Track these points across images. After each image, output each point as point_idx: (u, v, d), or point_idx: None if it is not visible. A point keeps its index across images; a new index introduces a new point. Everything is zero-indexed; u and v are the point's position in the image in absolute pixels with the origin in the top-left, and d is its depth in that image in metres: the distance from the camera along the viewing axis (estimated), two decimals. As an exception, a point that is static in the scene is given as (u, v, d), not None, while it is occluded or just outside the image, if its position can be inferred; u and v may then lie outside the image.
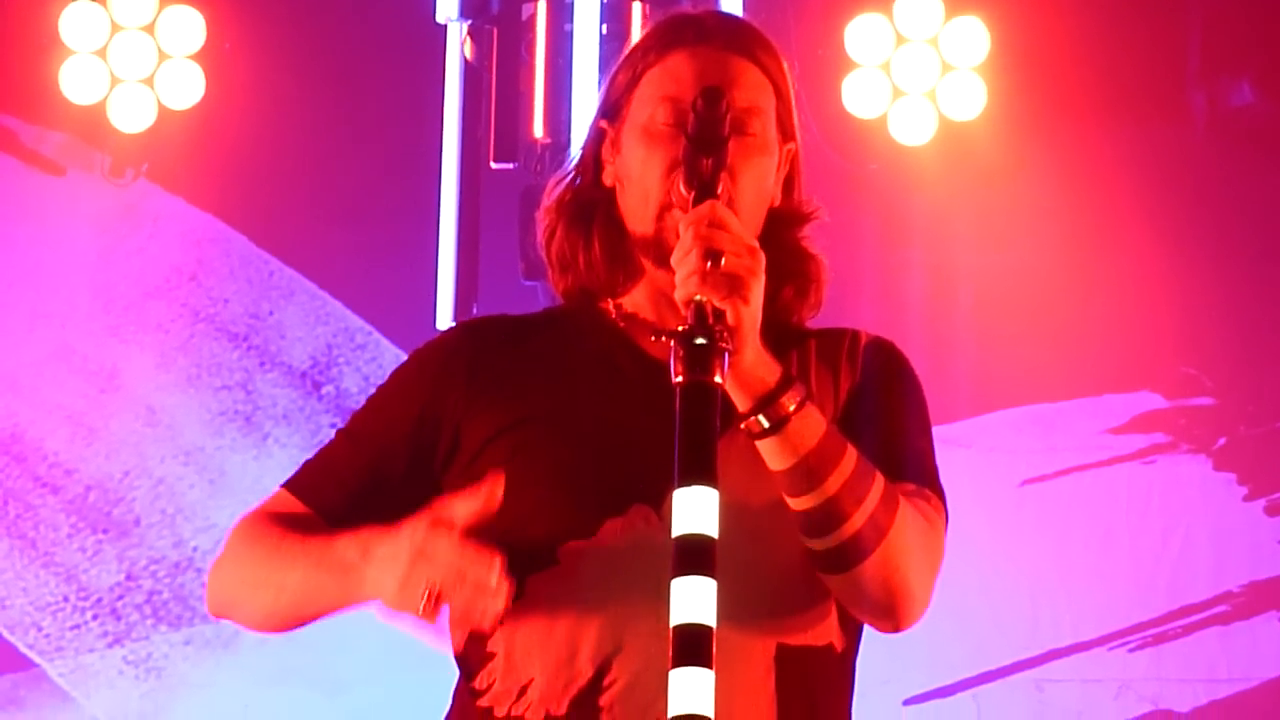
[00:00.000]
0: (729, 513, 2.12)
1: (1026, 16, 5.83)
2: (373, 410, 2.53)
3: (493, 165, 5.64)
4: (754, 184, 2.43)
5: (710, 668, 2.06)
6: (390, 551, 2.31)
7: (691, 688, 2.06)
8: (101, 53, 5.83)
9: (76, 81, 5.82)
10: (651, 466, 2.29)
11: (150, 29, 5.86)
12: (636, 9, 5.57)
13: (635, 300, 2.52)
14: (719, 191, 2.28)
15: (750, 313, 2.20)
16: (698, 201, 2.26)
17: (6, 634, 5.87)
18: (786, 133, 2.50)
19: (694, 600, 2.07)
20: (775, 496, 2.33)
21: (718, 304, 2.18)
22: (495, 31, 5.69)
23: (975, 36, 5.80)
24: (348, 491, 2.46)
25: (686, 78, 2.44)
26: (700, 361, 2.16)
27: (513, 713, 2.38)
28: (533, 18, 5.64)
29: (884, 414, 2.48)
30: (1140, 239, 5.91)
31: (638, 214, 2.45)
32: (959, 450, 5.77)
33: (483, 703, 2.40)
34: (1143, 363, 5.95)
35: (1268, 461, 5.90)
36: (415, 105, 5.83)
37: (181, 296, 6.03)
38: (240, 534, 2.48)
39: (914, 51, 5.82)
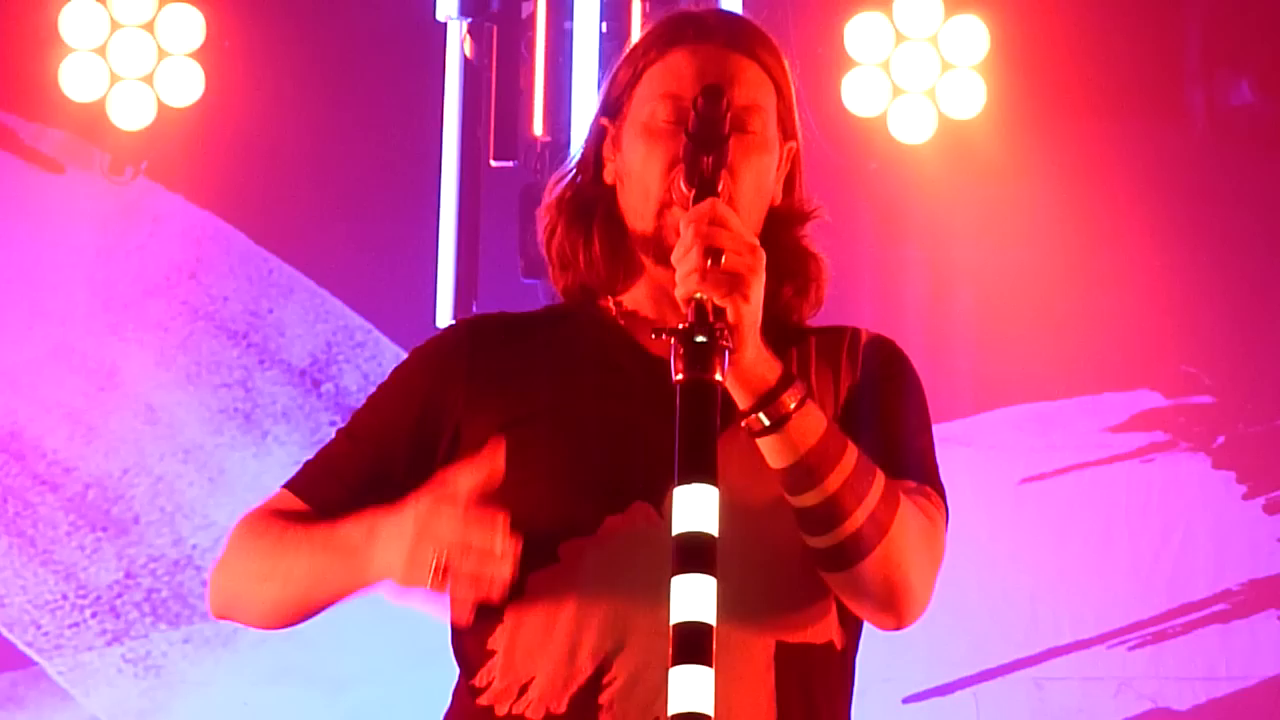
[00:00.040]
0: (729, 510, 2.12)
1: (1026, 15, 5.83)
2: (373, 409, 2.53)
3: (492, 163, 5.64)
4: (754, 182, 2.43)
5: (710, 666, 2.06)
6: (395, 529, 2.31)
7: (692, 686, 2.06)
8: (101, 50, 5.82)
9: (76, 79, 5.82)
10: (652, 464, 2.29)
11: (150, 27, 5.85)
12: (636, 7, 5.56)
13: (635, 298, 2.52)
14: (719, 189, 2.28)
15: (751, 311, 2.20)
16: (698, 199, 2.26)
17: (5, 632, 5.87)
18: (787, 131, 2.51)
19: (694, 598, 2.08)
20: (775, 494, 2.33)
21: (718, 302, 2.18)
22: (495, 29, 5.69)
23: (975, 35, 5.80)
24: (349, 489, 2.46)
25: (687, 75, 2.45)
26: (701, 359, 2.16)
27: (513, 711, 2.38)
28: (532, 15, 5.63)
29: (884, 412, 2.48)
30: (1139, 237, 5.91)
31: (638, 211, 2.46)
32: (958, 448, 5.77)
33: (483, 701, 2.40)
34: (1142, 361, 5.95)
35: (1267, 460, 5.90)
36: (415, 103, 5.82)
37: (181, 294, 6.03)
38: (242, 531, 2.48)
39: (914, 50, 5.82)
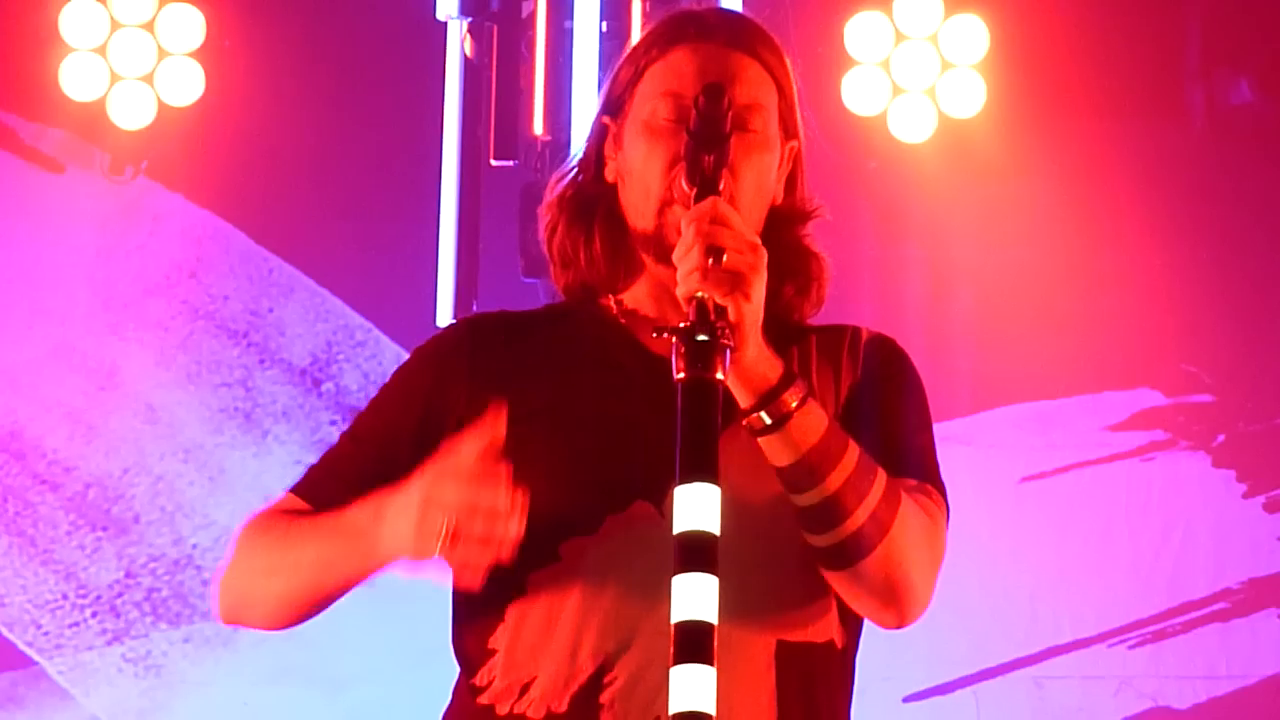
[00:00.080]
0: (730, 509, 2.12)
1: (1026, 14, 5.83)
2: (375, 410, 2.53)
3: (493, 162, 5.64)
4: (755, 181, 2.43)
5: (712, 665, 2.06)
6: (401, 503, 2.30)
7: (693, 685, 2.06)
8: (101, 50, 5.82)
9: (76, 78, 5.82)
10: (653, 463, 2.29)
11: (150, 26, 5.85)
12: (636, 6, 5.57)
13: (636, 296, 2.52)
14: (720, 188, 2.27)
15: (752, 309, 2.20)
16: (699, 198, 2.26)
17: (5, 632, 5.87)
18: (789, 130, 2.51)
19: (695, 597, 2.07)
20: (776, 493, 2.33)
21: (719, 300, 2.18)
22: (495, 29, 5.69)
23: (975, 34, 5.80)
24: (353, 491, 2.46)
25: (688, 74, 2.45)
26: (702, 358, 2.15)
27: (514, 710, 2.38)
28: (533, 15, 5.64)
29: (885, 410, 2.48)
30: (1139, 236, 5.91)
31: (639, 209, 2.45)
32: (959, 447, 5.77)
33: (483, 700, 2.40)
34: (1142, 360, 5.96)
35: (1267, 458, 5.90)
36: (415, 102, 5.82)
37: (181, 294, 6.03)
38: (246, 532, 2.47)
39: (913, 49, 5.82)
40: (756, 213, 2.44)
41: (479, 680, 2.42)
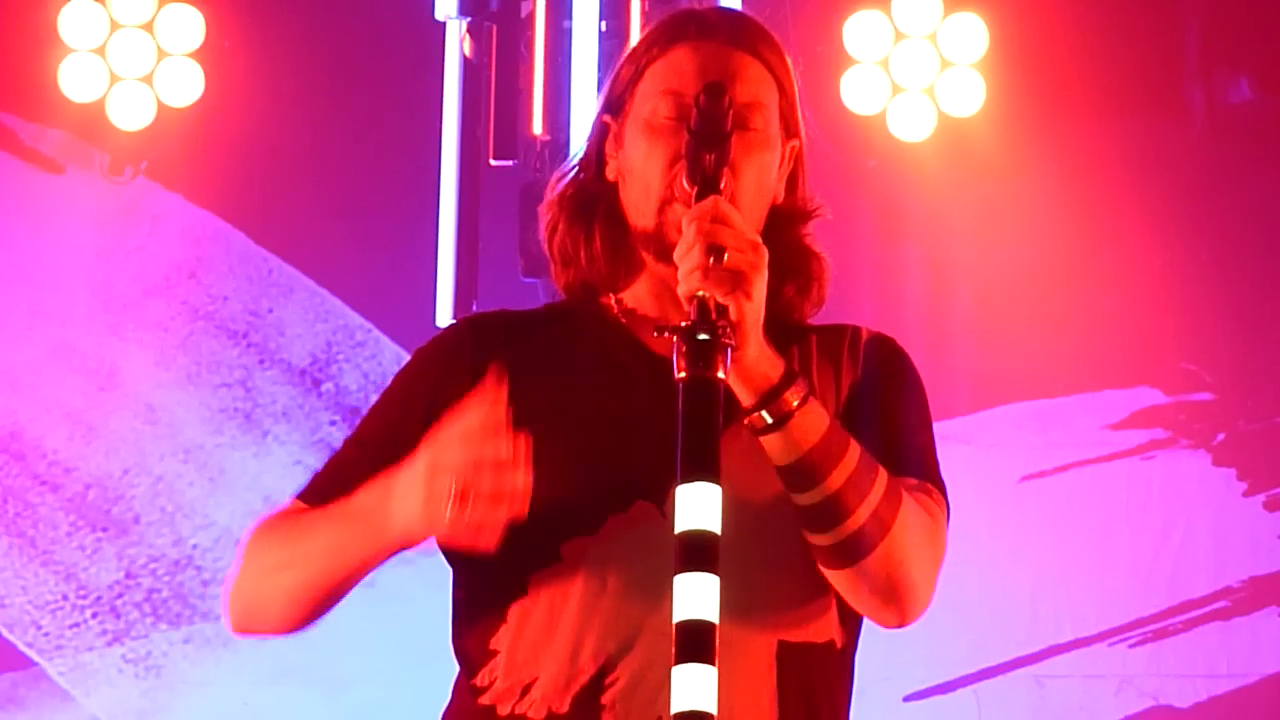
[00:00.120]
0: (731, 509, 2.12)
1: (1025, 13, 5.83)
2: (378, 413, 2.53)
3: (492, 162, 5.64)
4: (756, 179, 2.43)
5: (713, 664, 2.06)
6: (407, 477, 2.30)
7: (695, 684, 2.06)
8: (100, 50, 5.82)
9: (75, 79, 5.82)
10: (655, 463, 2.29)
11: (149, 27, 5.85)
12: (635, 6, 5.56)
13: (636, 295, 2.52)
14: (721, 187, 2.27)
15: (753, 308, 2.20)
16: (700, 196, 2.26)
17: (6, 632, 5.87)
18: (790, 129, 2.50)
19: (697, 596, 2.07)
20: (777, 492, 2.33)
21: (721, 299, 2.18)
22: (494, 29, 5.69)
23: (974, 33, 5.80)
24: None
25: (689, 72, 2.44)
26: (703, 357, 2.15)
27: (515, 711, 2.38)
28: (531, 15, 5.64)
29: (885, 409, 2.48)
30: (1139, 235, 5.91)
31: (639, 208, 2.45)
32: (959, 446, 5.77)
33: (484, 700, 2.40)
34: (1142, 358, 5.96)
35: (1267, 457, 5.90)
36: (414, 102, 5.82)
37: (181, 294, 6.03)
38: (253, 536, 2.46)
39: (913, 48, 5.82)
40: (757, 211, 2.44)
41: (480, 681, 2.41)
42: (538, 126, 5.58)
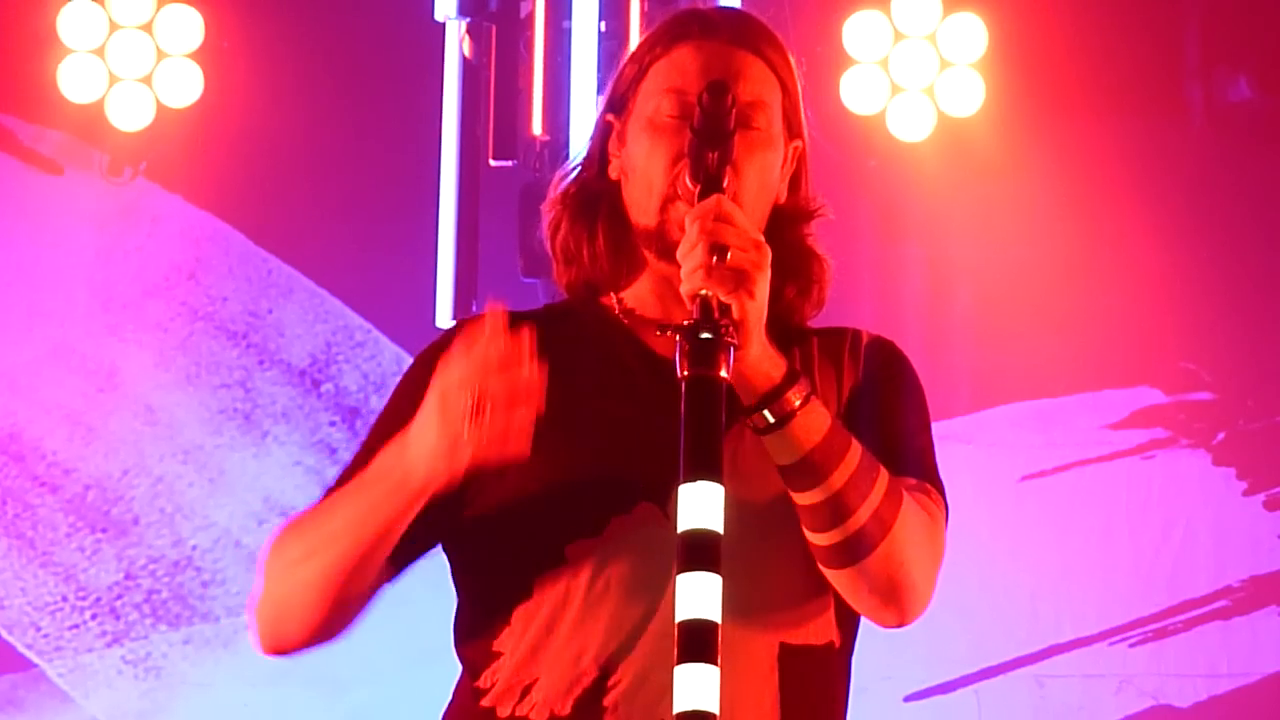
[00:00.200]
0: (733, 509, 2.12)
1: (1024, 13, 5.83)
2: (385, 421, 2.50)
3: (492, 162, 5.64)
4: (758, 178, 2.42)
5: (716, 664, 2.06)
6: (420, 419, 2.28)
7: (697, 684, 2.05)
8: (100, 51, 5.82)
9: (75, 80, 5.82)
10: (657, 464, 2.28)
11: (148, 27, 5.85)
12: (635, 6, 5.56)
13: (638, 294, 2.51)
14: (724, 185, 2.27)
15: (756, 307, 2.20)
16: (703, 195, 2.26)
17: (5, 634, 5.87)
18: (793, 129, 2.50)
19: (699, 596, 2.07)
20: (778, 492, 2.33)
21: (723, 298, 2.18)
22: (494, 29, 5.69)
23: (973, 33, 5.81)
24: None
25: (692, 71, 2.44)
26: (706, 356, 2.15)
27: (516, 713, 2.37)
28: (531, 15, 5.64)
29: (885, 411, 2.48)
30: (1138, 234, 5.92)
31: (642, 206, 2.45)
32: (959, 446, 5.77)
33: (486, 702, 2.40)
34: (1142, 358, 5.96)
35: (1267, 456, 5.90)
36: (414, 103, 5.82)
37: (180, 295, 6.03)
38: (271, 543, 2.42)
39: (912, 48, 5.82)
40: (760, 211, 2.43)
41: (482, 682, 2.41)
42: (537, 127, 5.59)
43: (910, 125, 5.82)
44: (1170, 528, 5.86)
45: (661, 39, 2.50)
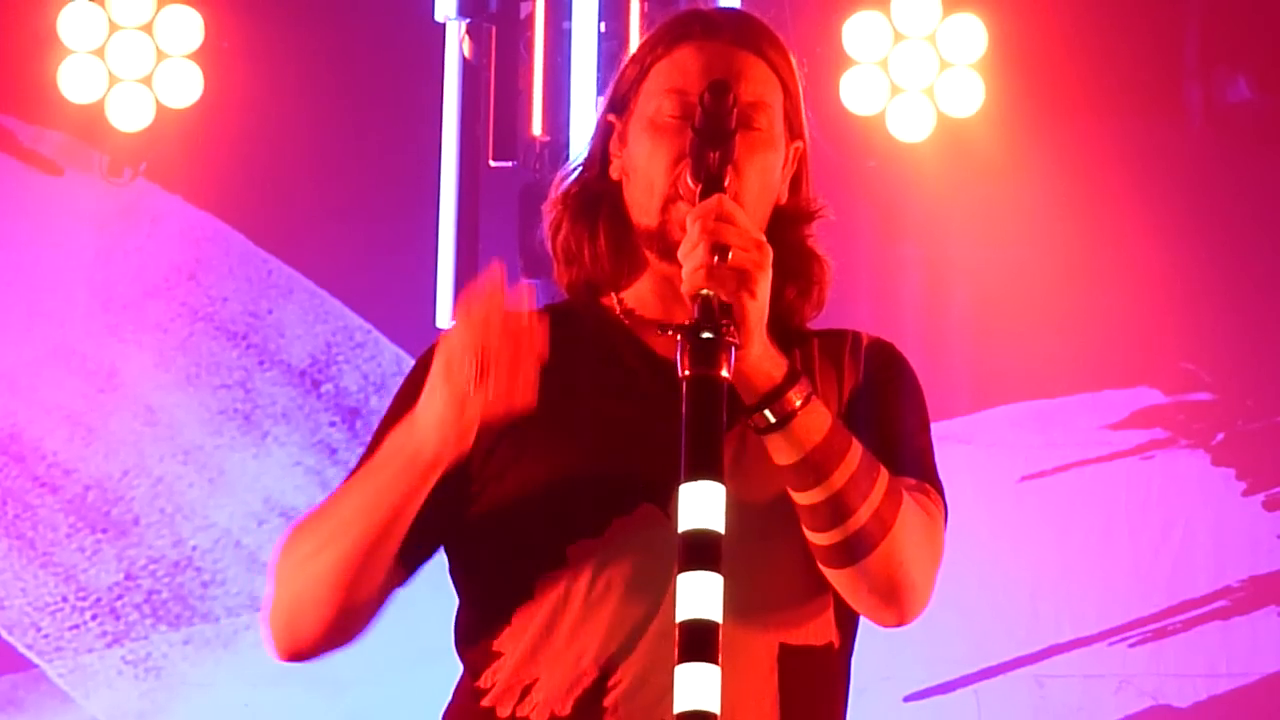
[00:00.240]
0: (733, 508, 2.12)
1: (1024, 13, 5.83)
2: (387, 426, 2.50)
3: (491, 163, 5.64)
4: (759, 178, 2.42)
5: (716, 664, 2.06)
6: (426, 393, 2.28)
7: (698, 684, 2.05)
8: (99, 52, 5.83)
9: (75, 81, 5.82)
10: (658, 465, 2.28)
11: (148, 28, 5.85)
12: (634, 7, 5.57)
13: (638, 294, 2.51)
14: (725, 185, 2.27)
15: (757, 307, 2.20)
16: (704, 195, 2.25)
17: (5, 635, 5.87)
18: (794, 130, 2.50)
19: (700, 595, 2.07)
20: (778, 492, 2.33)
21: (725, 298, 2.18)
22: (494, 30, 5.69)
23: (973, 33, 5.81)
24: None
25: (693, 71, 2.44)
26: (707, 355, 2.15)
27: (517, 713, 2.37)
28: (531, 16, 5.64)
29: (884, 412, 2.48)
30: (1138, 235, 5.92)
31: (643, 206, 2.45)
32: (958, 446, 5.78)
33: (486, 702, 2.40)
34: (1141, 358, 5.96)
35: (1267, 456, 5.90)
36: (414, 103, 5.82)
37: (180, 295, 6.03)
38: (280, 544, 2.41)
39: (912, 48, 5.82)
40: (761, 211, 2.43)
41: (483, 683, 2.41)
42: (537, 127, 5.59)
43: (910, 126, 5.82)
44: (1170, 528, 5.86)
45: (663, 39, 2.50)
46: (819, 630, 2.42)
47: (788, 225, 2.49)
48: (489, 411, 2.24)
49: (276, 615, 2.41)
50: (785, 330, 2.44)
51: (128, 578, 5.89)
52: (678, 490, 2.12)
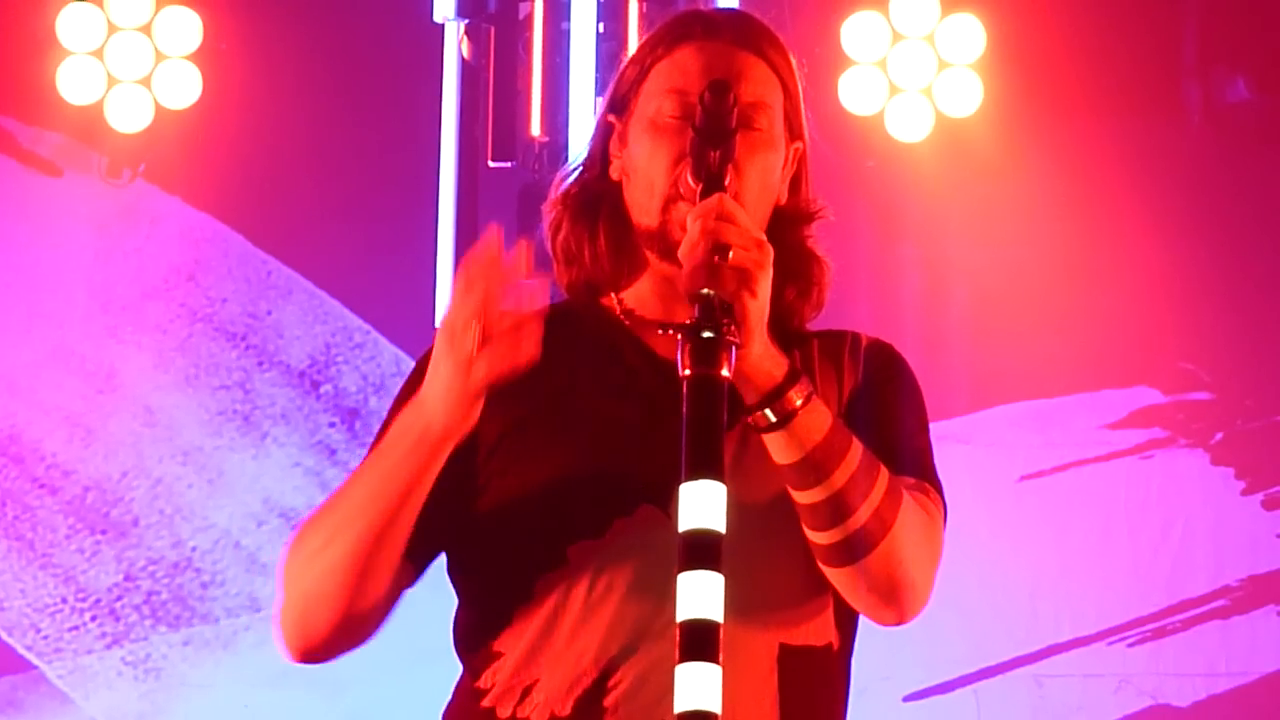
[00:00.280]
0: (734, 508, 2.11)
1: (1022, 13, 5.83)
2: (391, 421, 2.50)
3: (490, 164, 5.64)
4: (759, 178, 2.43)
5: (717, 663, 2.06)
6: (431, 367, 2.27)
7: (698, 683, 2.05)
8: (98, 53, 5.82)
9: (73, 82, 5.81)
10: (659, 465, 2.28)
11: (147, 29, 5.85)
12: (633, 8, 5.57)
13: (638, 294, 2.51)
14: (725, 184, 2.27)
15: (758, 306, 2.20)
16: (705, 194, 2.25)
17: (5, 636, 5.87)
18: (794, 131, 2.50)
19: (700, 595, 2.07)
20: (779, 491, 2.33)
21: (725, 297, 2.18)
22: (492, 30, 5.69)
23: (971, 33, 5.81)
24: None
25: (694, 71, 2.44)
26: (708, 355, 2.15)
27: (517, 714, 2.38)
28: (530, 16, 5.64)
29: (883, 412, 2.48)
30: (1137, 234, 5.92)
31: (643, 206, 2.45)
32: (957, 446, 5.78)
33: (486, 703, 2.40)
34: (1140, 358, 5.96)
35: (1266, 456, 5.90)
36: (413, 104, 5.83)
37: (179, 296, 6.03)
38: (288, 545, 2.41)
39: (910, 48, 5.82)
40: (761, 211, 2.43)
41: (483, 683, 2.41)
42: (536, 128, 5.59)
43: (909, 126, 5.82)
44: (1169, 527, 5.86)
45: (663, 40, 2.50)
46: (819, 630, 2.42)
47: (787, 226, 2.50)
48: (493, 372, 2.24)
49: (287, 614, 2.40)
50: (785, 331, 2.44)
51: (127, 579, 5.89)
52: (678, 490, 2.12)
